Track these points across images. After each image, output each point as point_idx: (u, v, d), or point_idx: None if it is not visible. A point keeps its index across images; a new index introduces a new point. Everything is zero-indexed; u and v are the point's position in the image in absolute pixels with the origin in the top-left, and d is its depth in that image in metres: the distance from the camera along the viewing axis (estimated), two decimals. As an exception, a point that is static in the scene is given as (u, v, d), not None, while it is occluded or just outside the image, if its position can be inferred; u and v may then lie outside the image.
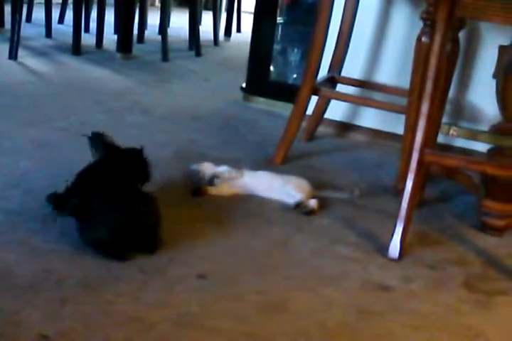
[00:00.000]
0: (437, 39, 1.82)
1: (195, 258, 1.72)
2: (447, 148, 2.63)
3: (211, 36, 4.75)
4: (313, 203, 2.05)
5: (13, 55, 3.64)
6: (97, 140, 1.90)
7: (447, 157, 2.01)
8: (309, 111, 2.62)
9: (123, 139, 1.92)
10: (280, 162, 2.43)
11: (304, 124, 2.63)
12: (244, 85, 3.33)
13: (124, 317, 1.43)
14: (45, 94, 3.09)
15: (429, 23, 2.10)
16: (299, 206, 2.04)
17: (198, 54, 4.35)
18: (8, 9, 3.90)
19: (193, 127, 2.64)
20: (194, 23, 4.40)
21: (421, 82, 1.95)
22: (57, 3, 4.77)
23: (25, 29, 4.07)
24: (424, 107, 1.85)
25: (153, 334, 1.39)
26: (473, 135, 2.66)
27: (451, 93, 2.34)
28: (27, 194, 1.97)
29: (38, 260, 1.62)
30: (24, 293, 1.48)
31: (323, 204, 2.09)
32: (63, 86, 3.27)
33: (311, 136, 2.80)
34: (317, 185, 2.16)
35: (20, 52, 3.68)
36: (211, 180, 2.11)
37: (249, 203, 2.08)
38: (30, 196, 1.95)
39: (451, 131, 2.68)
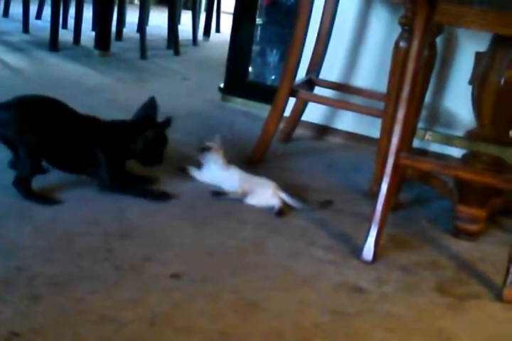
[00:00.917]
0: (415, 44, 1.84)
1: (170, 258, 1.72)
2: (423, 153, 2.66)
3: (190, 36, 4.73)
4: (280, 203, 2.06)
5: (-11, 49, 3.60)
6: (145, 105, 2.10)
7: (422, 161, 2.03)
8: (287, 112, 2.63)
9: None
10: (257, 163, 2.43)
11: (281, 126, 2.63)
12: (222, 85, 3.33)
13: (96, 316, 1.42)
14: (21, 89, 3.03)
15: (407, 28, 2.12)
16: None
17: (177, 53, 4.33)
18: (-16, 3, 3.86)
19: (171, 126, 2.63)
20: (173, 21, 4.39)
21: (398, 86, 1.97)
22: (35, -1, 4.73)
23: (2, 24, 4.04)
24: (401, 112, 1.86)
25: (125, 333, 1.38)
26: (449, 140, 2.70)
27: (427, 98, 2.36)
28: (2, 189, 1.94)
29: (10, 256, 1.61)
30: (-4, 290, 1.46)
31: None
32: (39, 81, 3.23)
33: (288, 138, 2.81)
34: (291, 188, 2.16)
35: (-3, 47, 3.65)
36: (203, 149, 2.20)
37: (224, 203, 2.08)
38: (4, 192, 1.93)
39: (427, 136, 2.71)
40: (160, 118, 2.10)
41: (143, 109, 2.10)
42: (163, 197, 2.04)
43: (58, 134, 1.95)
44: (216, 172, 2.18)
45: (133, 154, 2.06)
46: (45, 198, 1.93)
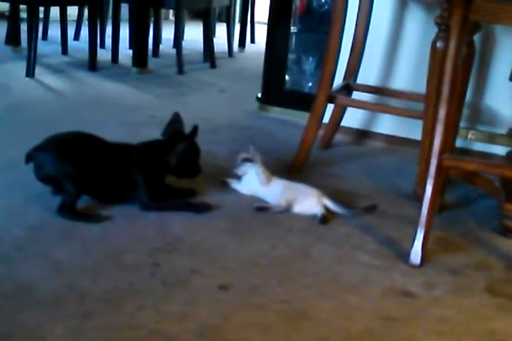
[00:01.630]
0: (453, 43, 1.82)
1: (216, 269, 1.72)
2: (466, 152, 2.62)
3: (225, 48, 4.77)
4: (323, 211, 2.05)
5: (30, 72, 3.67)
6: (172, 121, 2.13)
7: (466, 161, 2.00)
8: (326, 119, 2.62)
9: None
10: (298, 170, 2.43)
11: (320, 132, 2.62)
12: (259, 95, 3.34)
13: (145, 331, 1.43)
14: (62, 109, 3.12)
15: (443, 28, 2.09)
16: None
17: (213, 66, 4.36)
18: (24, 28, 3.94)
19: (210, 139, 2.64)
20: (208, 35, 4.43)
21: (437, 86, 1.94)
22: (73, 20, 4.82)
23: (42, 47, 4.12)
24: (442, 112, 1.84)
25: (176, 347, 1.39)
26: (492, 138, 2.65)
27: (468, 97, 2.33)
28: (46, 209, 1.98)
29: (60, 275, 1.63)
30: (47, 308, 1.48)
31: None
32: (80, 101, 3.29)
33: (329, 144, 2.80)
34: (334, 194, 2.15)
35: (37, 70, 3.72)
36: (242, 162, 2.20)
37: (266, 212, 2.08)
38: (49, 211, 1.97)
39: (470, 135, 2.67)
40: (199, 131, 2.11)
41: (169, 126, 2.13)
42: (205, 208, 2.06)
43: (97, 166, 1.99)
44: (257, 184, 2.18)
45: (169, 170, 2.09)
46: (92, 217, 1.95)
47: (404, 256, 1.82)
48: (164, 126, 2.14)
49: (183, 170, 2.11)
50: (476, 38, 2.18)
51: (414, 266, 1.80)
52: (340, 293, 1.65)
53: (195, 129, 2.08)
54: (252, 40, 5.35)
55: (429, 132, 2.10)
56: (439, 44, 2.13)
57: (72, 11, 4.76)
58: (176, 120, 2.12)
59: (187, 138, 2.09)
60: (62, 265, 1.68)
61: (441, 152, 1.84)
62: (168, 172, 2.10)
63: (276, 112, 3.25)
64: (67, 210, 1.95)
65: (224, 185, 2.24)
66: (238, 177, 2.22)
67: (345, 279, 1.72)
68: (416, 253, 1.81)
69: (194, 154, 2.11)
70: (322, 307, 1.57)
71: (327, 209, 2.07)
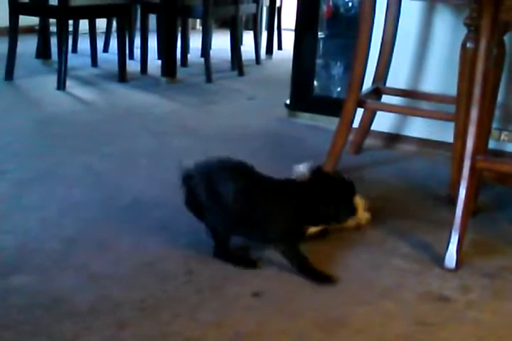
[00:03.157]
0: (483, 44, 1.80)
1: (249, 276, 1.72)
2: (499, 154, 2.58)
3: (253, 55, 4.78)
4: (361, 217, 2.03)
5: (61, 85, 3.72)
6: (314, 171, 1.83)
7: (500, 163, 1.98)
8: (356, 123, 2.61)
9: (173, 163, 1.93)
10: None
11: (350, 137, 2.61)
12: (288, 101, 3.33)
13: (181, 338, 1.43)
14: (94, 121, 3.15)
15: (473, 29, 2.08)
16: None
17: (241, 73, 4.38)
18: (54, 41, 3.99)
19: (241, 146, 2.65)
20: (235, 43, 4.44)
21: (468, 88, 1.93)
22: (102, 33, 4.88)
23: (72, 59, 4.17)
24: (474, 113, 1.82)
25: (211, 355, 1.39)
26: (525, 139, 2.61)
27: (499, 98, 2.30)
28: (81, 221, 2.00)
29: (95, 285, 1.64)
30: (83, 319, 1.49)
31: (375, 216, 2.07)
32: (111, 113, 3.32)
33: (359, 149, 2.78)
34: (366, 199, 2.13)
35: (68, 83, 3.77)
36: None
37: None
38: (83, 223, 1.99)
39: (503, 136, 2.64)
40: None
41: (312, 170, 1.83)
42: (326, 280, 1.72)
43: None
44: None
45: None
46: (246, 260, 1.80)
47: (439, 259, 1.80)
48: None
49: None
50: (507, 37, 2.15)
51: (449, 270, 1.77)
52: (375, 299, 1.64)
53: (351, 185, 1.82)
54: (280, 47, 5.36)
55: (461, 134, 2.09)
56: (469, 45, 2.11)
57: (101, 24, 4.83)
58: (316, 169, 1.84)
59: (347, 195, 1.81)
60: (97, 275, 1.69)
61: (474, 154, 1.82)
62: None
63: (306, 118, 3.24)
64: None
65: None
66: None
67: (380, 285, 1.71)
68: (451, 257, 1.79)
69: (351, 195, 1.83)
70: (357, 314, 1.56)
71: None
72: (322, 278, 1.72)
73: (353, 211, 1.83)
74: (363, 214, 1.97)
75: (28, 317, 1.49)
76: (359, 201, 1.97)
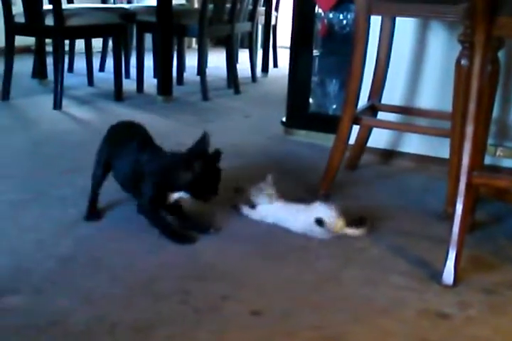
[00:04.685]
0: (477, 61, 1.80)
1: (248, 295, 1.71)
2: (495, 169, 2.58)
3: (249, 73, 4.80)
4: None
5: (57, 105, 3.73)
6: (200, 140, 2.09)
7: (496, 178, 1.97)
8: (352, 140, 2.61)
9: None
10: (325, 193, 2.41)
11: (347, 153, 2.61)
12: (284, 119, 3.34)
13: (178, 359, 1.42)
14: (90, 141, 3.12)
15: (467, 46, 2.08)
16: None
17: (237, 91, 4.39)
18: (50, 61, 4.01)
19: (237, 164, 2.65)
20: (231, 61, 4.46)
21: (464, 104, 1.93)
22: (98, 52, 4.89)
23: (68, 79, 4.19)
24: (469, 129, 1.82)
25: (209, 375, 1.37)
26: (521, 154, 2.61)
27: (494, 113, 2.30)
28: (77, 240, 1.99)
29: (90, 306, 1.63)
30: (79, 340, 1.48)
31: (372, 232, 2.07)
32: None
33: (355, 165, 2.79)
34: (363, 214, 2.13)
35: (65, 102, 3.77)
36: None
37: (294, 236, 2.06)
38: (79, 242, 1.98)
39: (498, 152, 2.64)
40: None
41: (196, 144, 2.09)
42: (187, 240, 2.01)
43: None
44: (269, 210, 2.15)
45: (180, 186, 2.03)
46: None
47: (437, 276, 1.80)
48: (192, 144, 2.10)
49: (197, 190, 2.05)
50: (501, 53, 2.16)
51: (447, 286, 1.76)
52: (373, 317, 1.62)
53: (218, 152, 2.05)
54: (275, 65, 5.39)
55: (457, 150, 2.08)
56: (463, 62, 2.11)
57: (97, 43, 4.85)
58: (202, 140, 2.09)
59: (207, 159, 2.05)
60: (92, 295, 1.68)
61: (471, 169, 1.81)
62: (178, 187, 2.05)
63: (302, 135, 3.25)
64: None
65: (235, 210, 2.22)
66: (252, 205, 2.19)
67: (378, 302, 1.69)
68: (449, 273, 1.78)
69: (213, 175, 2.05)
70: (356, 333, 1.55)
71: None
72: (182, 237, 2.00)
73: (214, 190, 2.02)
74: (337, 221, 2.03)
75: (23, 338, 1.47)
76: (332, 208, 2.06)
